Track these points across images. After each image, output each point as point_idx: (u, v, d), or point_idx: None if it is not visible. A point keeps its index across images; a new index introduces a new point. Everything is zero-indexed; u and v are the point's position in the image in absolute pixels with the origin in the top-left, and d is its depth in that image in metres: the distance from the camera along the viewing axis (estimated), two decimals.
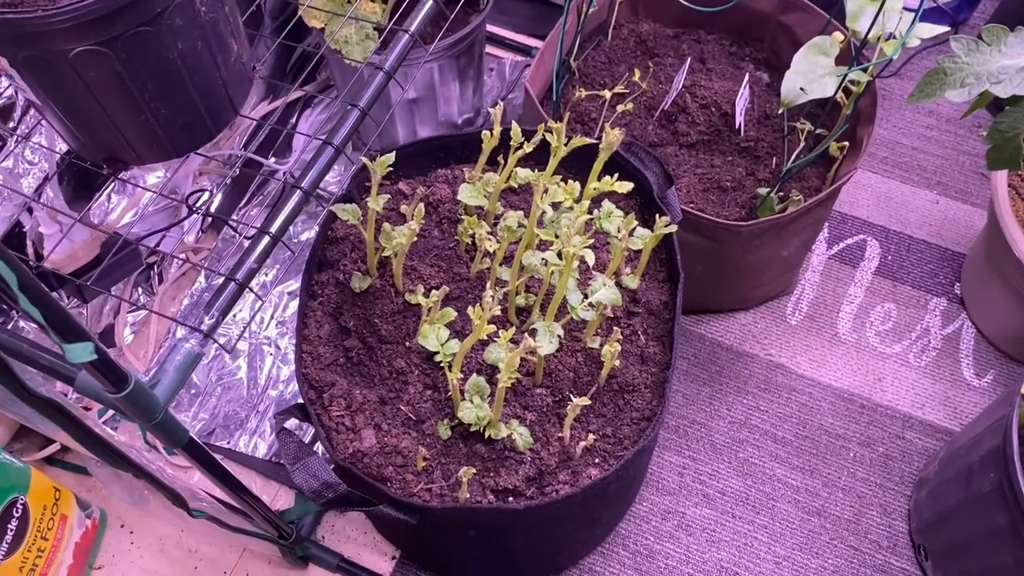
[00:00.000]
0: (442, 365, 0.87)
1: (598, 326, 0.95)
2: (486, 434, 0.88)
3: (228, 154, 1.50)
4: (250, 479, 1.26)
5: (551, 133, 0.86)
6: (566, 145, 0.84)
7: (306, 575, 1.18)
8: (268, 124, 1.54)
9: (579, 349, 0.96)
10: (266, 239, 0.84)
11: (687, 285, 1.00)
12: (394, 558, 1.19)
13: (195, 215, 1.41)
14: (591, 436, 0.89)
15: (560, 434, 0.91)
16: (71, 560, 1.12)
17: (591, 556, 1.19)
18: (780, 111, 1.17)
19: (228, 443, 1.28)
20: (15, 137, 1.14)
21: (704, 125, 1.31)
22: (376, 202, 0.87)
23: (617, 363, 0.92)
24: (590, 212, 0.93)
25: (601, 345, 0.94)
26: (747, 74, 1.33)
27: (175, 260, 1.42)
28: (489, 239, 0.89)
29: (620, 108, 1.15)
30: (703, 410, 1.32)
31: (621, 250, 0.92)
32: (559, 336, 0.84)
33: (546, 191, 0.83)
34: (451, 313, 0.89)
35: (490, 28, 1.68)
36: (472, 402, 0.86)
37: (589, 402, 0.87)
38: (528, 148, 0.89)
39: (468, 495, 0.88)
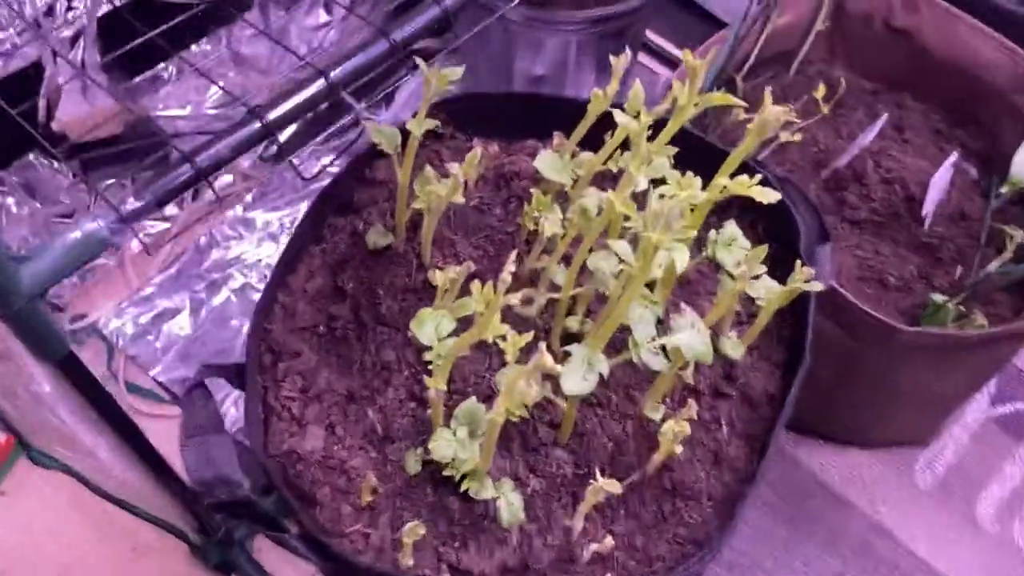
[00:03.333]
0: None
1: (668, 389, 0.67)
2: (464, 487, 0.61)
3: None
4: None
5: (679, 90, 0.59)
6: (696, 106, 0.58)
7: None
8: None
9: (630, 414, 0.68)
10: (256, 124, 0.63)
11: (802, 390, 0.71)
12: None
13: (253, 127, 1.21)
14: (609, 539, 0.61)
15: (568, 522, 0.63)
16: None
17: None
18: (992, 199, 0.88)
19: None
20: None
21: (880, 203, 1.05)
22: (419, 125, 0.63)
23: (679, 450, 0.63)
24: (705, 229, 0.66)
25: (664, 419, 0.66)
26: (952, 157, 1.04)
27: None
28: (551, 220, 0.64)
29: (784, 137, 0.88)
30: (772, 555, 1.02)
31: (734, 295, 0.64)
32: (601, 375, 0.56)
33: (649, 162, 0.57)
34: (472, 305, 0.63)
35: (650, 35, 1.43)
36: (455, 433, 0.60)
37: (620, 490, 0.59)
38: (647, 119, 0.62)
39: (412, 563, 0.61)
